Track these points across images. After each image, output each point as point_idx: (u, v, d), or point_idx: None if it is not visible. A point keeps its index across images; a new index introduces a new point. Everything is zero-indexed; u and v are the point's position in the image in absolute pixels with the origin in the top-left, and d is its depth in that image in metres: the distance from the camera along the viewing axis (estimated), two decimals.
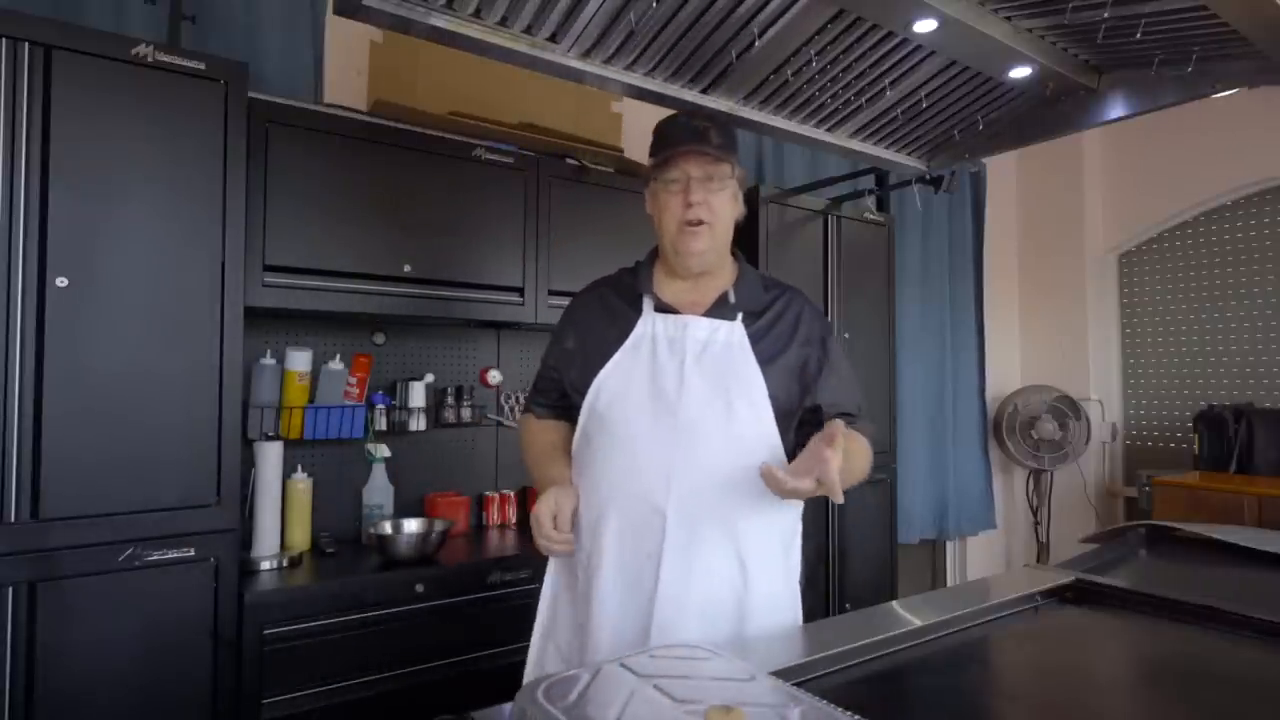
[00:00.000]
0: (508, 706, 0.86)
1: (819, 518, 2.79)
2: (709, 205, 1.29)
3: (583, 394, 1.33)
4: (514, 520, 2.51)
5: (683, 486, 1.25)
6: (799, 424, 1.35)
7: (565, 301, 1.51)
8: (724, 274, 1.38)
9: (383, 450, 2.25)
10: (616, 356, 1.32)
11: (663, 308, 1.34)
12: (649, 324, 1.32)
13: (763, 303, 1.37)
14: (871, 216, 3.00)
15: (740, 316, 1.33)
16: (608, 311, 1.38)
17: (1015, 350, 4.44)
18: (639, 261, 1.44)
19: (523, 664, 1.41)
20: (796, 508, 1.40)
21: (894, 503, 3.06)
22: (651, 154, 1.34)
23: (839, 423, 1.13)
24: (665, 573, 1.24)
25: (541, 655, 1.38)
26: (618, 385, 1.31)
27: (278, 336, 2.16)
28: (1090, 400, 4.07)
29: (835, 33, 1.37)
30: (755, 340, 1.32)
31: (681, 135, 1.30)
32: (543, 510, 1.27)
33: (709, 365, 1.29)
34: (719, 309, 1.33)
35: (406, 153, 2.09)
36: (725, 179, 1.31)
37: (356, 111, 2.16)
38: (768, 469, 1.13)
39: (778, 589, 1.36)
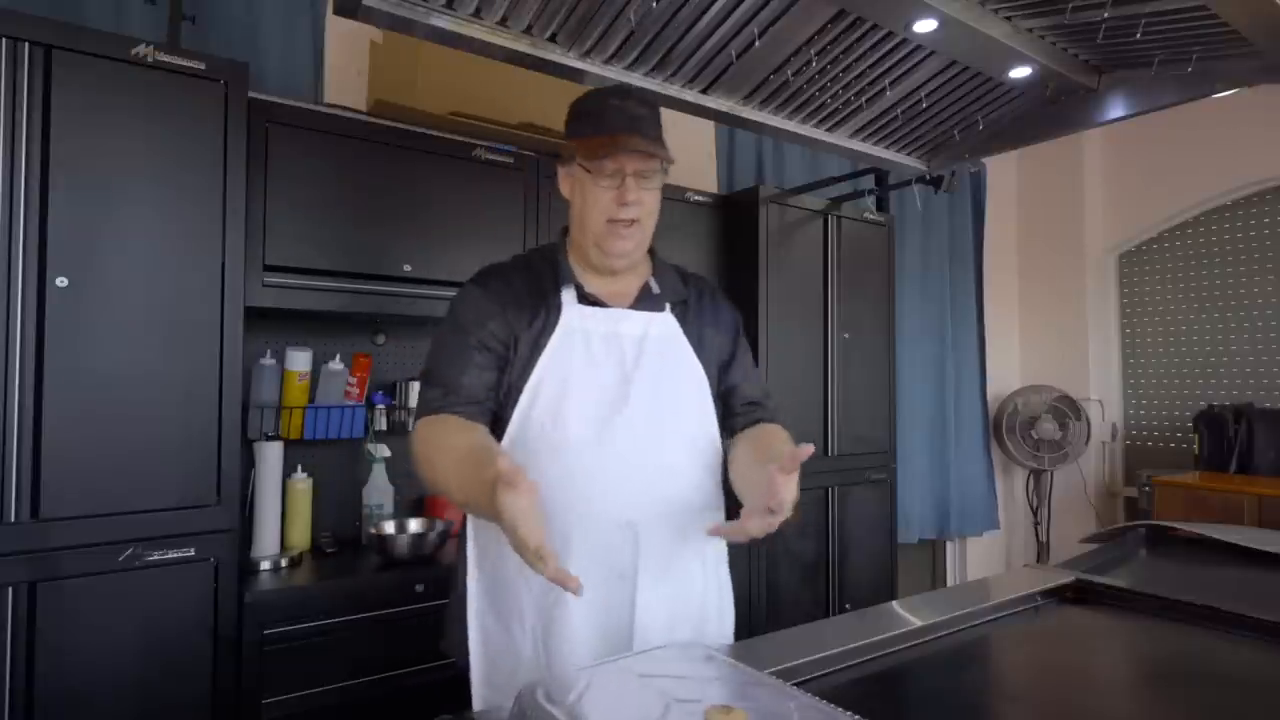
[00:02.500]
0: (508, 707, 0.86)
1: (819, 518, 2.79)
2: (643, 203, 1.19)
3: (512, 398, 1.17)
4: None
5: (650, 495, 1.18)
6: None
7: None
8: (640, 266, 1.30)
9: (383, 450, 2.25)
10: (545, 355, 1.17)
11: (586, 299, 1.22)
12: (574, 316, 1.20)
13: (683, 293, 1.31)
14: (871, 216, 3.00)
15: (668, 307, 1.27)
16: (525, 301, 1.21)
17: (1015, 350, 4.44)
18: (547, 247, 1.31)
19: None
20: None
21: (894, 503, 3.06)
22: (575, 132, 1.21)
23: (799, 452, 0.99)
24: (642, 594, 1.16)
25: (486, 693, 1.19)
26: (554, 388, 1.16)
27: (278, 336, 2.16)
28: (1090, 400, 4.07)
29: (835, 33, 1.37)
30: (685, 330, 1.27)
31: (618, 121, 1.17)
32: (538, 518, 0.90)
33: (650, 361, 1.21)
34: (646, 301, 1.26)
35: (406, 153, 2.09)
36: (658, 174, 1.21)
37: (356, 111, 2.17)
38: (718, 529, 1.09)
39: (726, 596, 1.34)
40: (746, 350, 1.38)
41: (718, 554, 1.32)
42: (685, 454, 1.24)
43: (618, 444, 1.16)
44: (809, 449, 0.98)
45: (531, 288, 1.22)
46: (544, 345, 1.17)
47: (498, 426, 1.18)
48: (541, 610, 1.15)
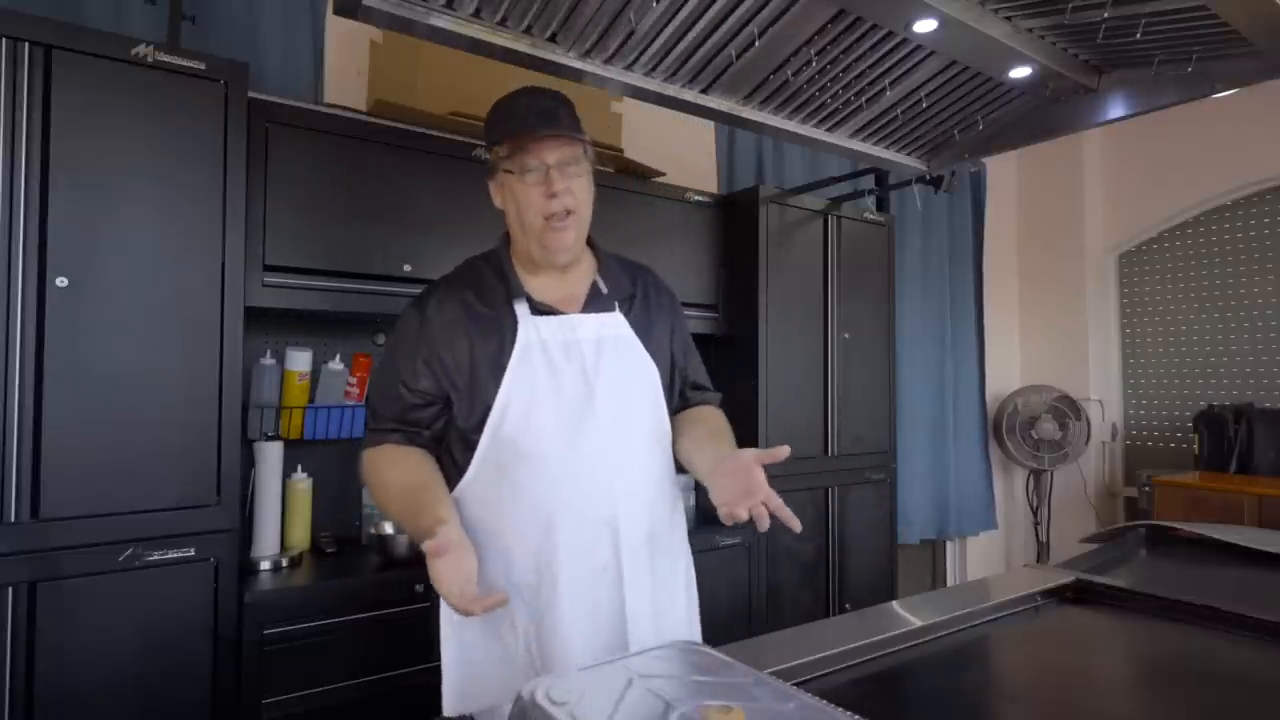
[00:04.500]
0: (508, 706, 0.86)
1: (819, 518, 2.79)
2: (573, 192, 1.21)
3: (479, 419, 1.20)
4: None
5: (624, 491, 1.23)
6: None
7: None
8: (585, 260, 1.33)
9: None
10: (509, 373, 1.19)
11: (538, 309, 1.24)
12: (531, 329, 1.21)
13: (630, 289, 1.34)
14: (871, 216, 3.00)
15: (617, 305, 1.29)
16: (478, 321, 1.23)
17: (1015, 350, 4.44)
18: (490, 255, 1.33)
19: None
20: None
21: (894, 503, 3.06)
22: (493, 139, 1.24)
23: (774, 453, 1.09)
24: (629, 585, 1.21)
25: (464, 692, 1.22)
26: (521, 404, 1.19)
27: (278, 336, 2.16)
28: (1090, 400, 4.07)
29: (835, 33, 1.37)
30: (634, 327, 1.29)
31: (530, 118, 1.19)
32: (453, 581, 1.01)
33: (609, 364, 1.24)
34: (596, 302, 1.28)
35: (406, 153, 2.09)
36: (583, 161, 1.22)
37: (356, 111, 2.16)
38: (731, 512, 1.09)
39: (692, 580, 1.39)
40: (687, 332, 1.43)
41: (685, 544, 1.39)
42: (647, 449, 1.28)
43: (589, 446, 1.20)
44: (785, 450, 1.09)
45: (484, 303, 1.24)
46: (505, 363, 1.19)
47: (445, 443, 1.26)
48: (534, 612, 1.19)
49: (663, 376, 1.31)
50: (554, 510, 1.18)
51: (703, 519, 2.39)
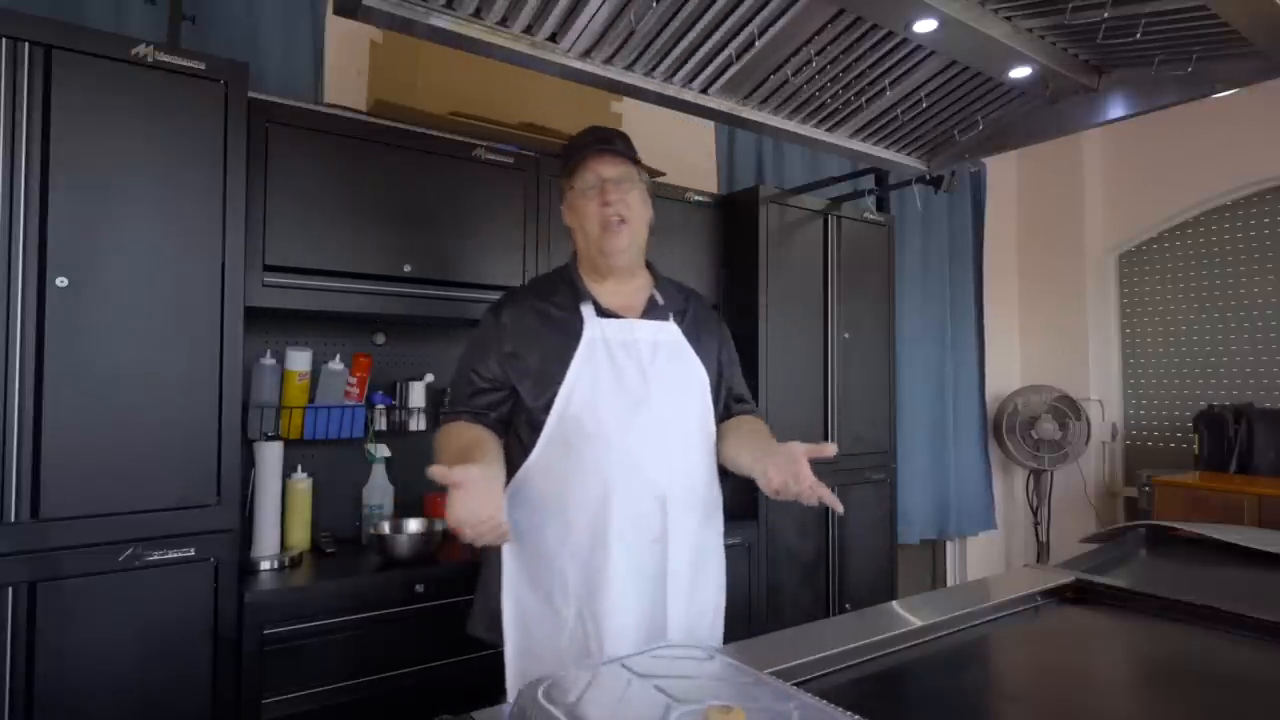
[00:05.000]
0: (507, 706, 0.87)
1: (819, 518, 2.79)
2: (625, 202, 1.39)
3: (546, 403, 1.35)
4: None
5: (673, 473, 1.38)
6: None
7: None
8: (643, 276, 1.51)
9: (383, 450, 2.25)
10: (575, 363, 1.35)
11: (603, 312, 1.41)
12: (596, 328, 1.38)
13: (682, 304, 1.51)
14: (871, 216, 3.00)
15: (671, 316, 1.46)
16: (549, 321, 1.41)
17: (1015, 350, 4.44)
18: (561, 270, 1.51)
19: None
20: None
21: (894, 503, 3.06)
22: (563, 170, 1.47)
23: (825, 448, 1.24)
24: (672, 557, 1.36)
25: (522, 664, 1.36)
26: (586, 391, 1.35)
27: (278, 336, 2.16)
28: (1090, 400, 4.07)
29: (835, 33, 1.37)
30: (686, 337, 1.46)
31: (588, 143, 1.42)
32: (460, 512, 1.10)
33: (663, 364, 1.40)
34: (653, 311, 1.45)
35: (406, 153, 2.09)
36: (635, 180, 1.42)
37: (356, 111, 2.16)
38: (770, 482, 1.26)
39: (723, 575, 1.53)
40: (733, 349, 1.61)
41: (721, 539, 1.53)
42: (695, 439, 1.44)
43: (644, 431, 1.35)
44: (833, 448, 1.24)
45: (555, 307, 1.42)
46: (572, 355, 1.36)
47: (513, 427, 1.42)
48: (586, 577, 1.33)
49: (710, 383, 1.47)
50: (611, 484, 1.33)
51: None
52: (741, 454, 1.40)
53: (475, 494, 1.12)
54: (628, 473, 1.34)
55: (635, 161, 1.43)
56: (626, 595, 1.32)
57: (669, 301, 1.48)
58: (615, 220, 1.38)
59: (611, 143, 1.41)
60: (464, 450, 1.26)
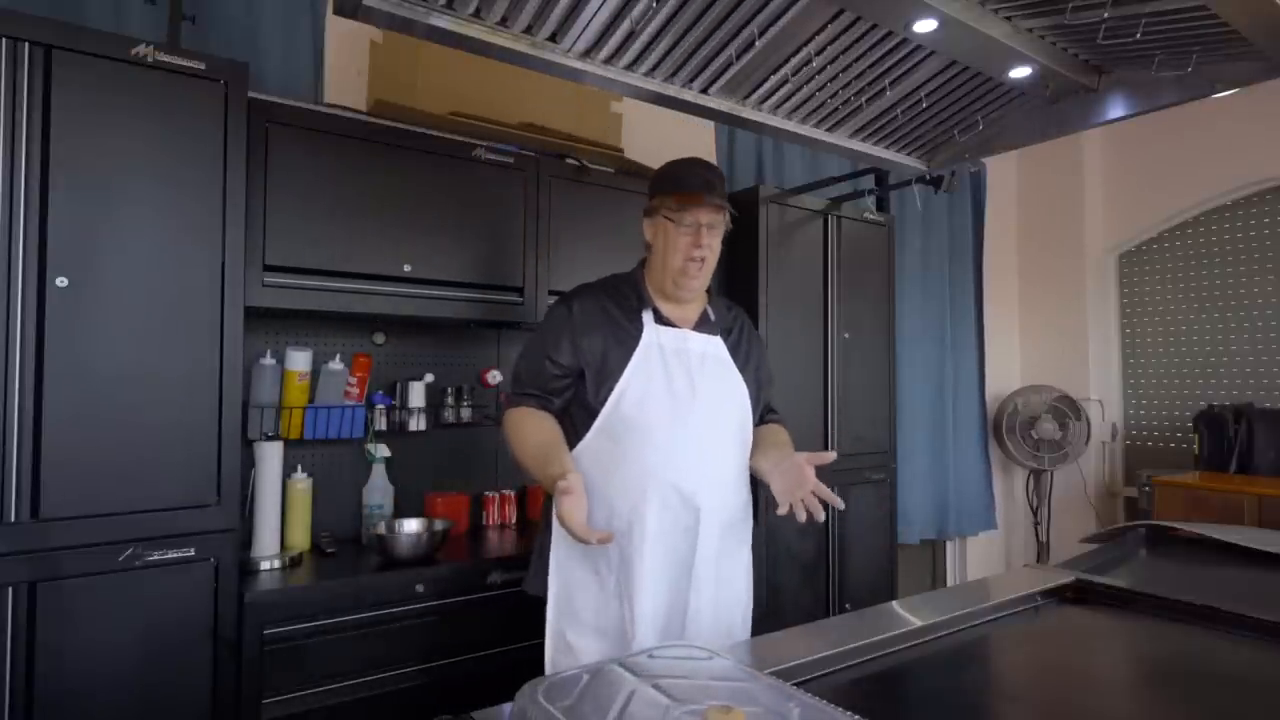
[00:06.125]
0: (508, 706, 0.86)
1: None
2: (711, 249, 1.53)
3: (602, 396, 1.49)
4: (514, 520, 2.51)
5: (708, 472, 1.51)
6: None
7: None
8: (700, 293, 1.63)
9: (383, 450, 2.25)
10: (632, 363, 1.49)
11: (661, 320, 1.55)
12: (654, 335, 1.52)
13: (728, 321, 1.65)
14: (871, 216, 3.00)
15: (719, 333, 1.60)
16: (612, 321, 1.54)
17: (1015, 350, 4.44)
18: (627, 275, 1.63)
19: (523, 663, 1.43)
20: None
21: (894, 503, 3.06)
22: (661, 189, 1.55)
23: (822, 456, 1.45)
24: (701, 545, 1.49)
25: (561, 625, 1.50)
26: (638, 390, 1.48)
27: (278, 336, 2.16)
28: (1090, 400, 4.07)
29: (835, 33, 1.37)
30: (731, 354, 1.59)
31: (697, 184, 1.51)
32: (577, 514, 1.31)
33: (710, 373, 1.54)
34: (704, 325, 1.59)
35: (406, 153, 2.09)
36: (722, 225, 1.55)
37: (356, 111, 2.16)
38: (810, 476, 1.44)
39: (750, 569, 1.67)
40: (768, 364, 1.75)
41: (749, 536, 1.66)
42: (730, 446, 1.57)
43: (687, 431, 1.49)
44: (832, 455, 1.45)
45: (619, 308, 1.56)
46: (630, 355, 1.49)
47: (569, 411, 1.55)
48: (624, 554, 1.46)
49: (750, 395, 1.59)
50: (652, 474, 1.46)
51: None
52: (759, 460, 1.57)
53: (583, 499, 1.31)
54: (668, 467, 1.47)
55: (728, 207, 1.54)
56: (658, 578, 1.46)
57: (719, 319, 1.62)
58: (698, 263, 1.51)
59: (716, 192, 1.51)
60: (545, 449, 1.43)
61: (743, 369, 1.60)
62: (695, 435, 1.49)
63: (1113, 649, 1.29)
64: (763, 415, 1.70)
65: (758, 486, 1.63)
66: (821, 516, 1.40)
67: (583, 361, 1.51)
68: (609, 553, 1.47)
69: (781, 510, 1.41)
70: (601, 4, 1.25)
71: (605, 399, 1.48)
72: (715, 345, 1.58)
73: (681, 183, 1.53)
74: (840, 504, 1.39)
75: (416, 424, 2.31)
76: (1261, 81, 1.41)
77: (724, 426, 1.55)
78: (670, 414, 1.48)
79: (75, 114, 1.52)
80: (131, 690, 1.55)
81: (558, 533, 1.46)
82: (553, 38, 1.34)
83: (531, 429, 1.50)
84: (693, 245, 1.50)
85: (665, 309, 1.57)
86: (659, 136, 2.70)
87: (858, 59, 1.46)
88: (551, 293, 2.30)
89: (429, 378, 2.39)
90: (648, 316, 1.54)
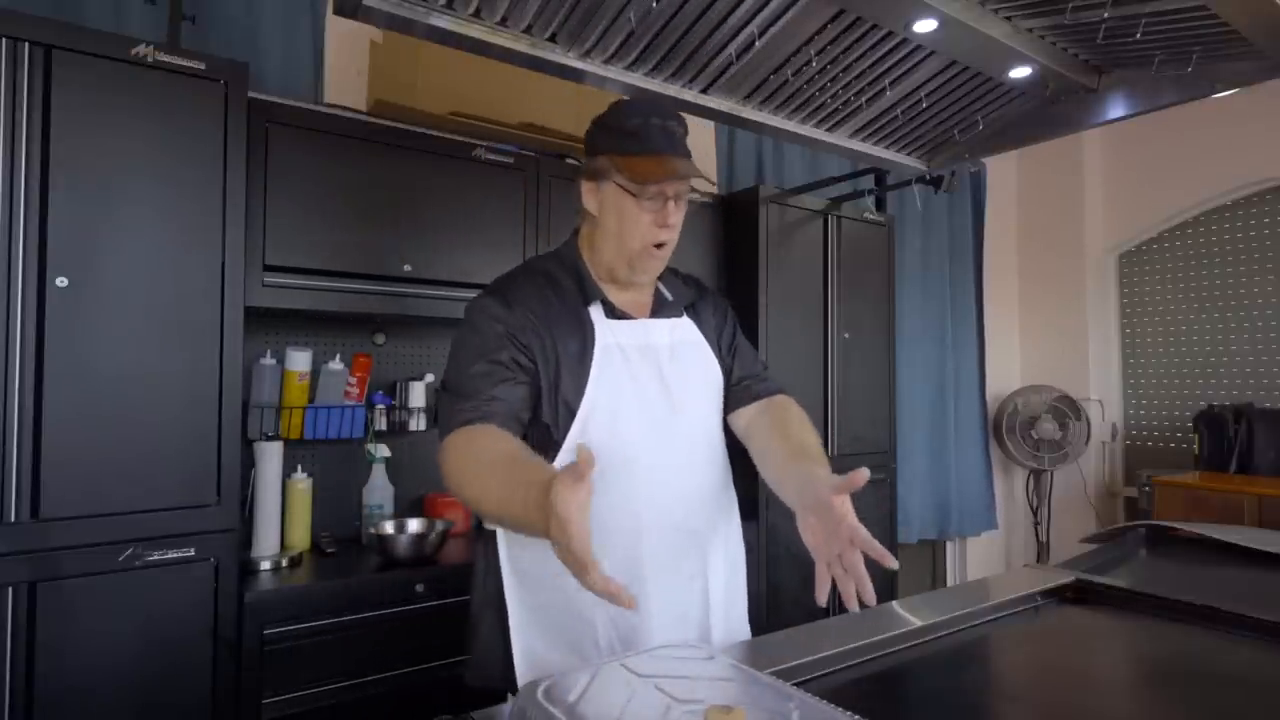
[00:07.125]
0: (507, 706, 0.86)
1: None
2: (677, 226, 1.20)
3: (563, 425, 1.14)
4: None
5: (704, 497, 1.25)
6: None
7: None
8: None
9: (383, 450, 2.25)
10: (593, 376, 1.15)
11: (614, 314, 1.22)
12: (609, 333, 1.19)
13: (690, 295, 1.33)
14: (871, 216, 3.00)
15: (684, 312, 1.30)
16: (557, 316, 1.19)
17: (1015, 350, 4.44)
18: (559, 256, 1.28)
19: None
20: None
21: (894, 503, 3.06)
22: (611, 147, 1.17)
23: (854, 479, 1.05)
24: (714, 589, 1.24)
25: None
26: (606, 409, 1.15)
27: (278, 336, 2.16)
28: (1090, 400, 4.07)
29: (835, 33, 1.37)
30: (701, 331, 1.30)
31: (661, 142, 1.15)
32: (580, 541, 0.81)
33: (681, 367, 1.24)
34: (662, 308, 1.27)
35: (406, 153, 2.09)
36: (687, 191, 1.21)
37: (356, 111, 2.16)
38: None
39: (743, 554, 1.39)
40: (739, 330, 1.40)
41: (741, 546, 1.38)
42: (717, 453, 1.30)
43: (674, 449, 1.20)
44: (864, 475, 1.02)
45: (562, 302, 1.20)
46: (589, 365, 1.16)
47: (532, 443, 1.12)
48: (619, 624, 1.14)
49: (724, 380, 1.32)
50: (642, 517, 1.16)
51: None
52: (784, 487, 1.15)
53: (586, 508, 0.84)
54: (659, 502, 1.17)
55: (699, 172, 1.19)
56: (668, 632, 1.15)
57: (677, 296, 1.30)
58: (661, 244, 1.19)
59: (683, 151, 1.17)
60: (507, 470, 0.98)
61: (713, 343, 1.30)
62: (684, 452, 1.21)
63: (1113, 649, 1.29)
64: (749, 387, 1.34)
65: (736, 459, 1.33)
66: (873, 600, 1.00)
67: (528, 361, 1.15)
68: (594, 627, 1.13)
69: (822, 589, 1.03)
70: (602, 4, 1.25)
71: (567, 429, 1.14)
72: (682, 328, 1.27)
73: (642, 140, 1.14)
74: (895, 564, 1.03)
75: (416, 424, 2.31)
76: (1261, 81, 1.41)
77: (711, 435, 1.28)
78: (650, 434, 1.17)
79: (75, 114, 1.52)
80: (131, 690, 1.55)
81: (516, 610, 1.16)
82: (553, 38, 1.34)
83: (495, 442, 1.05)
84: (658, 224, 1.16)
85: (615, 297, 1.23)
86: None
87: (858, 59, 1.46)
88: None
89: (429, 378, 2.39)
90: (596, 312, 1.20)
